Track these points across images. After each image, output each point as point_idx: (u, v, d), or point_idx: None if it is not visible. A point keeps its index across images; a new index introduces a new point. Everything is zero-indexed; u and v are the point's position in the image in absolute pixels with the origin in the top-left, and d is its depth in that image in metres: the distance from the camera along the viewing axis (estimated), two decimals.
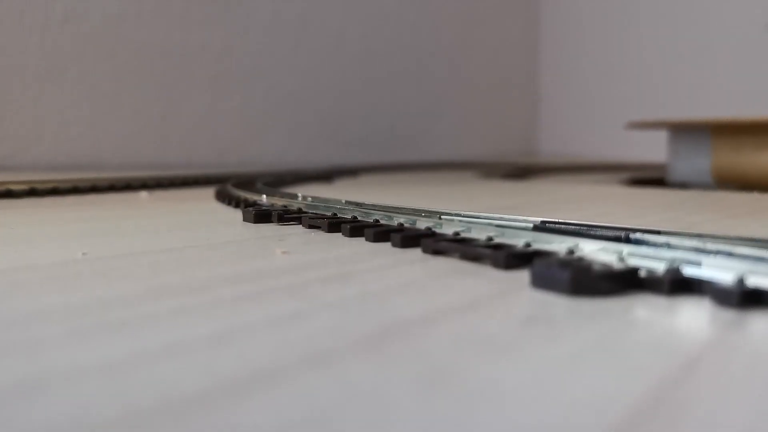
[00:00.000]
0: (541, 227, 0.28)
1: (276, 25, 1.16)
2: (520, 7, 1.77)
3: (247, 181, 0.64)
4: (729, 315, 0.18)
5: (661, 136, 1.04)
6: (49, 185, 0.58)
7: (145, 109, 1.00)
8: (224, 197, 0.50)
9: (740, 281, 0.19)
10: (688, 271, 0.21)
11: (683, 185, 0.87)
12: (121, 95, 0.97)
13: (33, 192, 0.56)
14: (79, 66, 0.93)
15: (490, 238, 0.28)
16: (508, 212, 0.31)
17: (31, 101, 0.88)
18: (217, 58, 1.08)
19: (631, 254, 0.23)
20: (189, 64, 1.04)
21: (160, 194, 0.60)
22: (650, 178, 0.97)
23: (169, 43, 1.02)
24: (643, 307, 0.19)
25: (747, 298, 0.19)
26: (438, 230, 0.31)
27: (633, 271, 0.21)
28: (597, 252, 0.24)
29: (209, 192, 0.60)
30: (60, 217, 0.42)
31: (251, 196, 0.47)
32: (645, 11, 1.60)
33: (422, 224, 0.32)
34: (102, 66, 0.95)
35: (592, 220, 0.28)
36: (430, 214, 0.33)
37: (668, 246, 0.23)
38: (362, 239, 0.31)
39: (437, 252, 0.28)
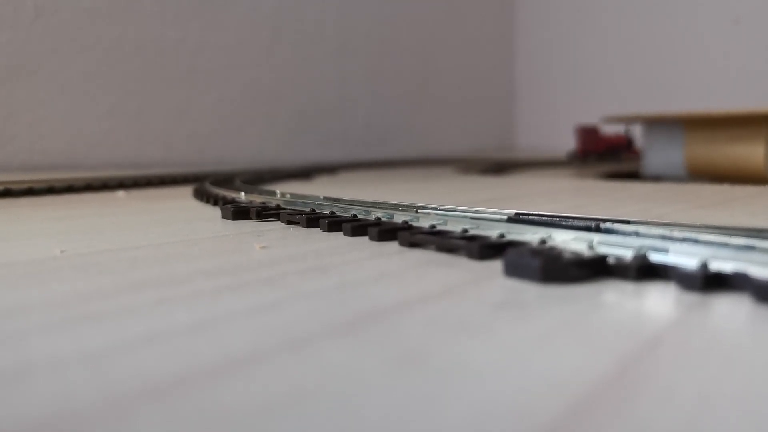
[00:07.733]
0: (515, 219, 0.29)
1: (252, 20, 1.15)
2: (495, 3, 1.79)
3: (225, 179, 0.64)
4: (692, 298, 0.19)
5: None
6: (24, 185, 0.57)
7: (120, 107, 0.99)
8: (202, 195, 0.50)
9: (704, 266, 0.20)
10: (655, 257, 0.21)
11: (657, 178, 0.89)
12: (96, 92, 0.96)
13: (8, 193, 0.56)
14: (52, 63, 0.91)
15: (465, 230, 0.28)
16: (485, 206, 0.32)
17: (3, 100, 0.87)
18: (193, 54, 1.07)
19: (601, 243, 0.23)
20: (164, 60, 1.03)
21: (137, 193, 0.59)
22: (625, 171, 0.99)
23: (143, 39, 1.01)
24: (610, 292, 0.19)
25: (710, 282, 0.19)
26: (414, 224, 0.31)
27: (601, 259, 0.21)
28: (569, 242, 0.24)
29: (187, 190, 0.60)
30: (36, 217, 0.41)
31: (229, 194, 0.47)
32: (619, 7, 1.62)
33: (399, 218, 0.32)
34: (75, 62, 0.94)
35: (566, 212, 0.29)
36: (406, 208, 0.33)
37: (636, 234, 0.24)
38: (340, 234, 0.32)
39: (413, 244, 0.28)
